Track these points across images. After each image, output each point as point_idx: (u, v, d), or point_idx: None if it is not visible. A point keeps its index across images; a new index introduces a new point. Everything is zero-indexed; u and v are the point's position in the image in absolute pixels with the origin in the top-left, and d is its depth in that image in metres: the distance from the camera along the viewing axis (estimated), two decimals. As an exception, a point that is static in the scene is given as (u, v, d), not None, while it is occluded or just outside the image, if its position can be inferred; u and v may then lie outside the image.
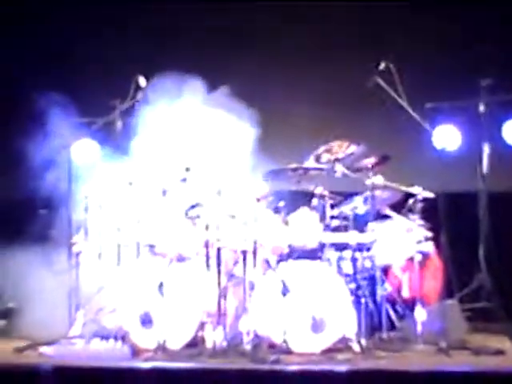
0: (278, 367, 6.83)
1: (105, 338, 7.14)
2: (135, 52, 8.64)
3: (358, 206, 7.82)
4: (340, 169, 7.80)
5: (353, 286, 7.52)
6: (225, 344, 7.16)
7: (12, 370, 6.76)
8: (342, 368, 6.81)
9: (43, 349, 7.16)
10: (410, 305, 7.66)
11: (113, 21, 8.91)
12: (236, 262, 7.55)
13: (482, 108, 8.50)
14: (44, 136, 8.16)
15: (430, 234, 7.81)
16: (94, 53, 8.79)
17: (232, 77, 8.19)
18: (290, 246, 7.57)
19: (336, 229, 7.73)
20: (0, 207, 8.34)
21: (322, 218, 7.64)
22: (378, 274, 7.67)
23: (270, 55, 8.76)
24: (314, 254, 7.59)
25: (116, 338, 7.13)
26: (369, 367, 6.88)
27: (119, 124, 7.94)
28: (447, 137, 8.26)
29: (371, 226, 7.66)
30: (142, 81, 7.85)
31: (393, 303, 7.77)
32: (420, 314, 7.44)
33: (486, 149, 8.60)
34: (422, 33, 8.60)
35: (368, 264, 7.72)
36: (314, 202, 7.71)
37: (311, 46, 8.84)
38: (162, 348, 7.19)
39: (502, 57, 8.61)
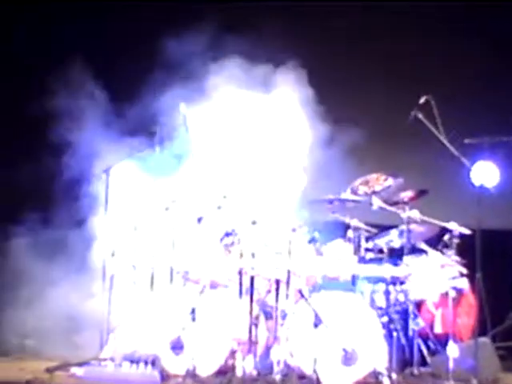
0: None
1: (135, 361, 7.15)
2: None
3: (394, 239, 7.81)
4: (376, 201, 7.79)
5: (385, 319, 7.49)
6: (255, 373, 7.14)
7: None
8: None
9: (74, 369, 7.20)
10: (443, 341, 7.60)
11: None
12: (269, 291, 7.55)
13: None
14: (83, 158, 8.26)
15: (464, 271, 7.75)
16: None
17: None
18: (323, 277, 7.55)
19: (370, 261, 7.70)
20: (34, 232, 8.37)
21: (357, 249, 7.63)
22: (411, 308, 7.62)
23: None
24: (347, 286, 7.56)
25: (146, 363, 7.14)
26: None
27: (158, 148, 7.99)
28: (485, 173, 8.21)
29: (406, 260, 7.64)
30: (183, 108, 7.92)
31: (425, 338, 7.71)
32: (452, 350, 7.38)
33: (523, 186, 8.55)
34: (462, 68, 8.58)
35: (401, 298, 7.68)
36: (349, 233, 7.70)
37: (354, 77, 8.83)
38: (191, 374, 7.19)
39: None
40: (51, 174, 8.39)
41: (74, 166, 8.32)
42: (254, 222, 7.52)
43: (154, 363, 7.22)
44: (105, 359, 7.35)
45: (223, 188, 7.84)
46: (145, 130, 8.13)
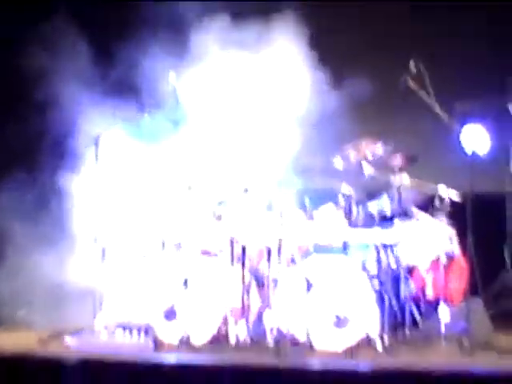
0: (298, 363, 6.85)
1: (129, 330, 7.18)
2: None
3: (384, 204, 7.81)
4: (367, 167, 7.78)
5: (377, 283, 7.50)
6: (248, 340, 7.18)
7: (37, 361, 6.84)
8: (365, 366, 6.83)
9: (67, 339, 7.22)
10: (434, 304, 7.63)
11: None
12: (260, 258, 7.56)
13: (511, 108, 8.45)
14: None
15: (455, 235, 7.77)
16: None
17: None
18: (314, 243, 7.56)
19: (361, 227, 7.71)
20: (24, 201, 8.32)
21: (348, 215, 7.64)
22: (403, 272, 7.64)
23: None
24: (338, 251, 7.57)
25: (140, 331, 7.17)
26: (391, 366, 6.86)
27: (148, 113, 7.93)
28: (476, 137, 8.20)
29: (397, 225, 7.64)
30: (172, 77, 7.87)
31: (417, 302, 7.73)
32: (444, 313, 7.41)
33: (514, 149, 8.56)
34: (452, 33, 8.55)
35: (393, 263, 7.69)
36: (340, 199, 7.71)
37: (347, 45, 8.77)
38: (185, 342, 7.23)
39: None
40: (37, 133, 8.32)
41: (61, 125, 8.24)
42: (245, 190, 7.54)
43: (147, 332, 7.26)
44: (98, 328, 7.39)
45: (214, 156, 7.83)
46: (132, 91, 8.07)
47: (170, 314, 7.38)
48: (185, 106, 8.01)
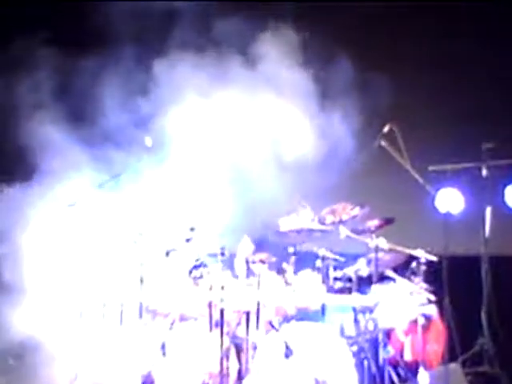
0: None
1: (106, 398, 7.10)
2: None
3: (361, 268, 7.84)
4: (344, 231, 7.82)
5: (355, 348, 7.50)
6: (227, 406, 7.13)
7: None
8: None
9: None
10: (413, 368, 7.63)
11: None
12: (239, 323, 7.53)
13: (484, 172, 8.56)
14: None
15: (432, 297, 7.80)
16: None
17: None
18: (293, 308, 7.55)
19: (339, 291, 7.72)
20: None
21: (326, 279, 7.65)
22: (381, 336, 7.64)
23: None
24: (316, 316, 7.57)
25: (118, 399, 7.09)
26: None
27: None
28: (450, 200, 8.29)
29: (374, 288, 7.67)
30: (148, 141, 7.92)
31: (395, 366, 7.73)
32: (423, 377, 7.41)
33: (489, 212, 8.64)
34: (425, 96, 8.67)
35: (371, 326, 7.70)
36: (318, 263, 7.72)
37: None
38: (163, 409, 7.16)
39: (505, 121, 8.68)
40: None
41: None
42: (222, 253, 7.53)
43: (125, 399, 7.18)
44: (74, 397, 7.30)
45: (191, 220, 7.83)
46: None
47: (148, 381, 7.30)
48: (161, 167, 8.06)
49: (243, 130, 8.27)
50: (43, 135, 8.22)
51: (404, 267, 7.96)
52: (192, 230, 7.67)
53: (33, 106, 8.32)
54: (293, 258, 7.66)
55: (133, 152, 8.07)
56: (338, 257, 7.81)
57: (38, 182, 8.11)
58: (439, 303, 7.72)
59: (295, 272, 7.65)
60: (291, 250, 7.70)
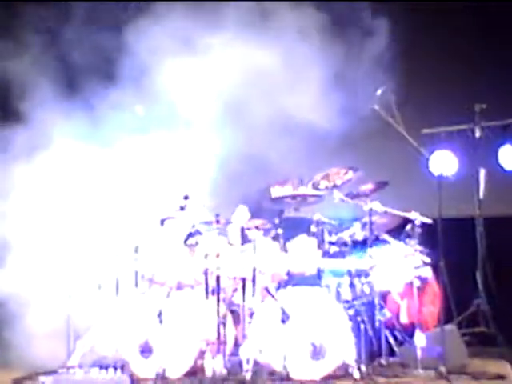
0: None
1: (104, 367, 7.10)
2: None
3: (356, 232, 7.85)
4: (338, 195, 7.82)
5: (352, 312, 7.52)
6: (224, 372, 7.14)
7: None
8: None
9: (42, 378, 7.14)
10: (409, 330, 7.67)
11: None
12: (235, 290, 7.55)
13: (477, 133, 8.55)
14: None
15: (428, 260, 7.82)
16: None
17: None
18: (288, 273, 7.57)
19: (334, 255, 7.74)
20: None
21: (321, 244, 7.65)
22: (377, 299, 7.67)
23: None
24: (312, 281, 7.59)
25: (116, 368, 7.10)
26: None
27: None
28: (444, 162, 8.28)
29: (369, 251, 7.68)
30: (139, 110, 7.88)
31: (392, 329, 7.77)
32: (419, 339, 7.44)
33: (482, 174, 8.64)
34: (419, 59, 8.61)
35: (367, 290, 7.72)
36: (313, 228, 7.73)
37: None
38: (161, 377, 7.18)
39: (497, 82, 8.64)
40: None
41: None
42: (217, 221, 7.54)
43: (123, 368, 7.18)
44: (73, 367, 7.31)
45: (185, 188, 7.82)
46: None
47: (146, 349, 7.33)
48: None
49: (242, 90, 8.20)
50: (25, 84, 8.15)
51: (399, 230, 7.98)
52: (186, 198, 7.67)
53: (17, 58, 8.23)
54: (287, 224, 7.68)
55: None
56: (332, 221, 7.83)
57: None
58: (434, 265, 7.74)
59: (290, 238, 7.66)
60: (286, 215, 7.72)
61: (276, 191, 8.14)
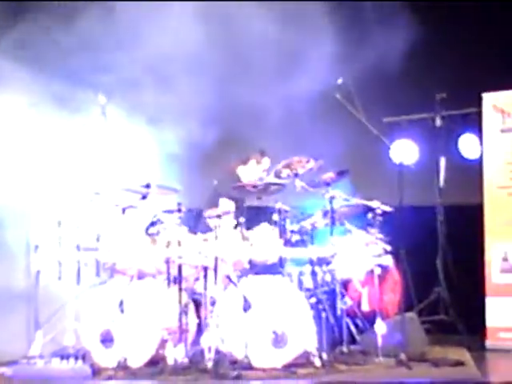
0: (240, 383, 6.85)
1: (65, 357, 7.08)
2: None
3: (318, 220, 7.87)
4: (300, 184, 7.83)
5: (313, 300, 7.54)
6: (186, 361, 7.14)
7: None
8: (304, 383, 6.87)
9: (2, 369, 7.09)
10: (370, 318, 7.71)
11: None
12: (197, 279, 7.54)
13: (438, 122, 8.61)
14: None
15: (388, 248, 7.87)
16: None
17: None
18: (250, 262, 7.57)
19: (296, 243, 7.75)
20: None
21: (283, 232, 7.66)
22: (338, 287, 7.70)
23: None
24: (274, 269, 7.60)
25: (77, 358, 7.08)
26: (330, 381, 6.92)
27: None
28: (405, 151, 8.34)
29: (331, 240, 7.71)
30: (101, 98, 7.83)
31: (353, 317, 7.81)
32: (380, 327, 7.49)
33: (443, 162, 8.72)
34: (379, 47, 8.64)
35: (328, 278, 7.75)
36: (275, 217, 7.74)
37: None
38: (122, 366, 7.16)
39: (457, 71, 8.71)
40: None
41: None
42: (179, 209, 7.52)
43: (84, 357, 7.17)
44: (33, 357, 7.26)
45: (146, 177, 7.79)
46: None
47: (107, 338, 7.30)
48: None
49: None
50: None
51: (360, 218, 8.02)
52: (148, 186, 7.63)
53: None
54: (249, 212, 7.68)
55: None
56: (294, 210, 7.84)
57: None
58: (395, 253, 7.79)
59: (252, 226, 7.66)
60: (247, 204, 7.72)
61: (242, 171, 8.15)
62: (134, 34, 8.17)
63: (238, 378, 6.90)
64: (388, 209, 7.82)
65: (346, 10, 8.28)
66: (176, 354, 7.16)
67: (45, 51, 8.07)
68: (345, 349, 7.56)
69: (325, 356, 7.23)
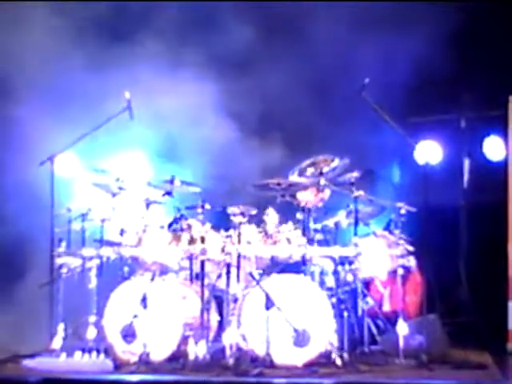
0: (260, 380, 6.86)
1: (87, 351, 7.11)
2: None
3: (341, 219, 7.85)
4: (324, 183, 7.82)
5: (335, 299, 7.54)
6: (207, 357, 7.16)
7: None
8: (325, 381, 6.87)
9: (26, 361, 7.13)
10: (392, 319, 7.69)
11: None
12: (219, 276, 7.55)
13: (463, 123, 8.58)
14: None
15: (411, 249, 7.84)
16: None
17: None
18: (273, 259, 7.58)
19: (319, 242, 7.74)
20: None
21: (306, 231, 7.66)
22: (360, 287, 7.69)
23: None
24: (297, 268, 7.60)
25: (99, 352, 7.10)
26: (351, 381, 6.92)
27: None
28: (429, 152, 8.30)
29: (354, 240, 7.69)
30: (127, 95, 7.85)
31: (374, 317, 7.79)
32: (401, 328, 7.47)
33: (467, 163, 8.69)
34: (405, 48, 8.62)
35: (350, 278, 7.73)
36: (298, 215, 7.73)
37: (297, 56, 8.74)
38: (144, 361, 7.18)
39: (484, 73, 8.66)
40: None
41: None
42: (202, 206, 7.53)
43: (106, 351, 7.20)
44: (56, 350, 7.30)
45: (171, 172, 7.80)
46: None
47: (129, 333, 7.32)
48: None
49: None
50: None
51: (383, 218, 7.99)
52: (172, 182, 7.65)
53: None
54: (273, 210, 7.68)
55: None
56: (318, 209, 7.82)
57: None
58: (418, 254, 7.76)
59: (276, 225, 7.65)
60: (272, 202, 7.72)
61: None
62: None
63: (259, 375, 6.90)
64: (412, 209, 7.79)
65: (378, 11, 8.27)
66: (197, 351, 7.18)
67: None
68: (366, 349, 7.55)
69: (346, 356, 7.22)
